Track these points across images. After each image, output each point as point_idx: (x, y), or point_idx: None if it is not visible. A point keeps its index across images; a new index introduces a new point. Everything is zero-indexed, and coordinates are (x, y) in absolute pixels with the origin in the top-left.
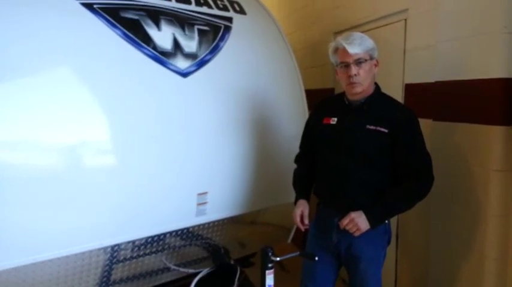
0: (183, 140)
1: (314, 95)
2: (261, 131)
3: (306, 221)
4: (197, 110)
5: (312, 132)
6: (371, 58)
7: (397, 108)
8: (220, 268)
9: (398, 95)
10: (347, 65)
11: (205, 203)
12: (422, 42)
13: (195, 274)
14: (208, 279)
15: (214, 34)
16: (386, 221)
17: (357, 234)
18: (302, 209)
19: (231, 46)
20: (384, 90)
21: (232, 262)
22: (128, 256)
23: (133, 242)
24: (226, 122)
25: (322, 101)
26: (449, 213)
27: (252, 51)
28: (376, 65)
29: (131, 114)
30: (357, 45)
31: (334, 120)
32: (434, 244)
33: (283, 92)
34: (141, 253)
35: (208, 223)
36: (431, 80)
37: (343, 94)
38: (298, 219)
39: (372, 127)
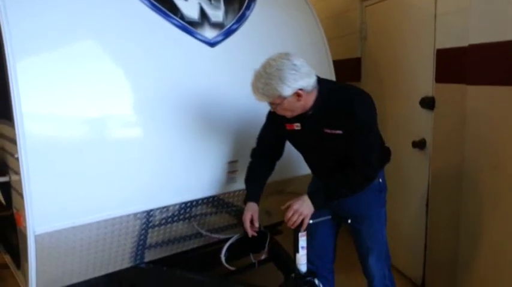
0: (212, 109)
1: (340, 65)
2: None
3: (256, 225)
4: (225, 79)
5: (276, 131)
6: (285, 98)
7: (345, 103)
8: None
9: (430, 62)
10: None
11: (235, 171)
12: (454, 5)
13: (226, 240)
14: (239, 245)
15: (240, 3)
16: (380, 180)
17: (305, 221)
18: (251, 213)
19: (257, 15)
20: (413, 57)
21: (262, 229)
22: (163, 221)
23: (167, 208)
24: None
25: (273, 113)
26: (482, 178)
27: (279, 21)
28: (299, 95)
29: (161, 85)
30: (261, 95)
31: (298, 126)
32: (466, 210)
33: (310, 62)
34: (175, 218)
35: (239, 191)
36: (465, 43)
37: None
38: (247, 224)
39: (328, 131)
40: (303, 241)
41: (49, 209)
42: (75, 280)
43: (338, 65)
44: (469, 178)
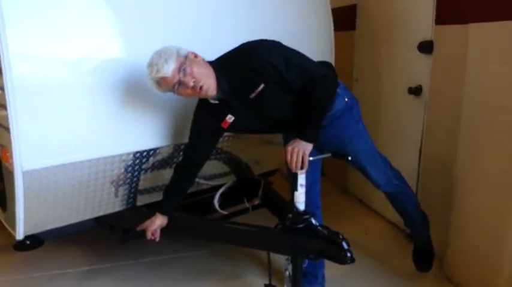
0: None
1: (334, 14)
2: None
3: (158, 237)
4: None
5: (210, 141)
6: (186, 57)
7: (242, 61)
8: (245, 183)
9: (429, 3)
10: (179, 84)
11: None
12: None
13: (219, 187)
14: (232, 192)
15: None
16: (346, 99)
17: (305, 158)
18: (157, 228)
19: None
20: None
21: (255, 177)
22: (155, 164)
23: (156, 150)
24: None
25: (199, 118)
26: (482, 120)
27: None
28: (196, 56)
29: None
30: (164, 64)
31: (230, 118)
32: (463, 153)
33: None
34: (167, 162)
35: (228, 137)
36: None
37: (203, 101)
38: (150, 234)
39: (253, 94)
40: (302, 178)
41: (37, 145)
42: (64, 222)
43: (336, 12)
44: (468, 121)
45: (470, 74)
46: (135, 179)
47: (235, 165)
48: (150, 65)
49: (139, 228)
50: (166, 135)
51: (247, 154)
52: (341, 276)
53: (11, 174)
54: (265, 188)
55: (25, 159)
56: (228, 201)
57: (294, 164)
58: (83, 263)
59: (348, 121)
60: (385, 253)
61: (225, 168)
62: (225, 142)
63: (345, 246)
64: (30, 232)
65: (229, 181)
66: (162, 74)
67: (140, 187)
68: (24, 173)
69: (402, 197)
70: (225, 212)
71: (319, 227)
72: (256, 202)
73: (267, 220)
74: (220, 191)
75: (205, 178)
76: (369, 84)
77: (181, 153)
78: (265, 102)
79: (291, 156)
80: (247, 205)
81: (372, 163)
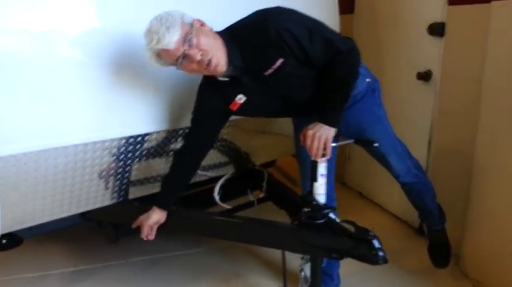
0: None
1: None
2: None
3: (153, 236)
4: None
5: (214, 126)
6: (192, 25)
7: (257, 31)
8: (246, 173)
9: None
10: (184, 57)
11: None
12: None
13: (218, 178)
14: (233, 183)
15: None
16: (368, 79)
17: (328, 144)
18: (155, 223)
19: None
20: None
21: (257, 167)
22: (148, 152)
23: (147, 136)
24: None
25: (203, 98)
26: (504, 105)
27: None
28: (202, 24)
29: None
30: (169, 35)
31: (241, 98)
32: (483, 138)
33: None
34: (161, 150)
35: (229, 122)
36: None
37: (209, 78)
38: (146, 231)
39: (270, 70)
40: (322, 167)
41: (14, 126)
42: (46, 218)
43: None
44: (488, 107)
45: (491, 57)
46: (127, 168)
47: (235, 154)
48: (149, 32)
49: (134, 225)
50: (163, 119)
51: (245, 143)
52: (353, 275)
53: None
54: (270, 180)
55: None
56: (228, 194)
57: (314, 151)
58: (67, 263)
59: (369, 104)
60: (395, 250)
61: (223, 158)
62: (225, 128)
63: (376, 244)
64: (6, 230)
65: (228, 171)
66: (163, 45)
67: (133, 178)
68: None
69: (420, 188)
70: (228, 206)
71: (344, 223)
72: (261, 195)
73: (268, 214)
74: (220, 182)
75: (204, 168)
76: (371, 70)
77: (180, 139)
78: (282, 81)
79: (312, 141)
80: (251, 198)
81: (392, 151)
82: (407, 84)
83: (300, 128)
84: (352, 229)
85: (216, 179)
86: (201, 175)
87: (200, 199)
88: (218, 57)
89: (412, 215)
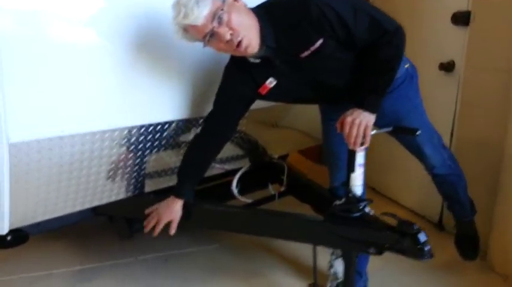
0: None
1: None
2: None
3: (173, 232)
4: None
5: (240, 105)
6: (224, 0)
7: (299, 6)
8: (264, 166)
9: None
10: (212, 35)
11: None
12: None
13: (235, 171)
14: (251, 176)
15: None
16: (406, 65)
17: (367, 132)
18: (172, 218)
19: None
20: None
21: (275, 160)
22: (165, 142)
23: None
24: None
25: (230, 79)
26: None
27: None
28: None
29: None
30: (198, 9)
31: (271, 82)
32: None
33: None
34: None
35: None
36: None
37: (238, 58)
38: (160, 226)
39: (307, 52)
40: (360, 157)
41: (27, 112)
42: (58, 213)
43: None
44: None
45: None
46: (145, 159)
47: (250, 147)
48: (177, 4)
49: (150, 220)
50: (185, 107)
51: (259, 136)
52: (379, 271)
53: None
54: (290, 173)
55: (12, 129)
56: (245, 188)
57: (353, 139)
58: (73, 262)
59: (407, 92)
60: None
61: (239, 150)
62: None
63: (422, 238)
64: (16, 225)
65: (245, 164)
66: (190, 20)
67: (149, 170)
68: (11, 146)
69: (453, 180)
70: (247, 200)
71: (384, 216)
72: (282, 188)
73: (289, 208)
74: (238, 175)
75: (220, 161)
76: None
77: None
78: (319, 63)
79: (351, 129)
80: (272, 191)
81: (428, 141)
82: (429, 75)
83: (329, 115)
84: (393, 222)
85: (232, 173)
86: (218, 168)
87: (217, 193)
88: (250, 38)
89: (430, 210)
